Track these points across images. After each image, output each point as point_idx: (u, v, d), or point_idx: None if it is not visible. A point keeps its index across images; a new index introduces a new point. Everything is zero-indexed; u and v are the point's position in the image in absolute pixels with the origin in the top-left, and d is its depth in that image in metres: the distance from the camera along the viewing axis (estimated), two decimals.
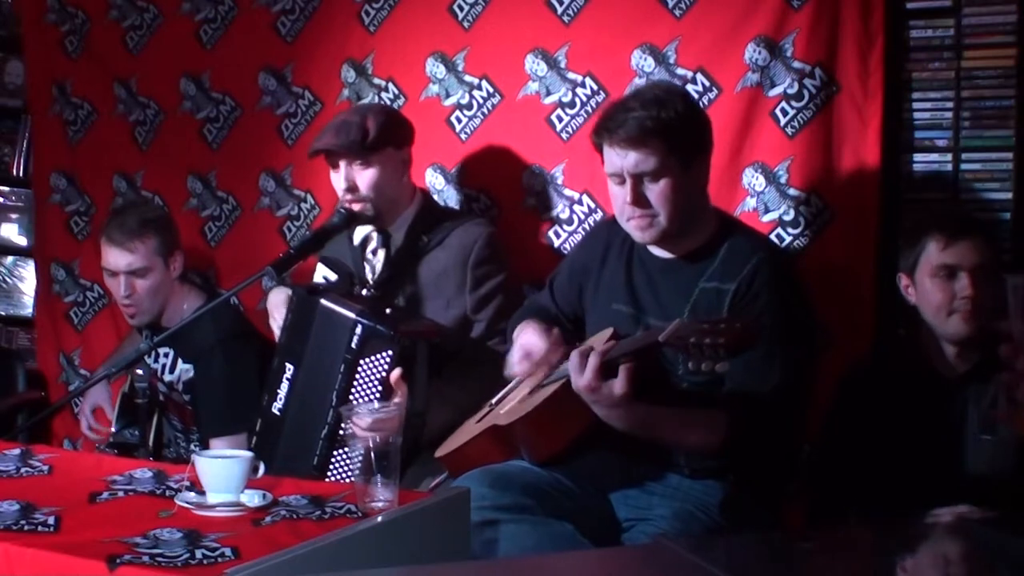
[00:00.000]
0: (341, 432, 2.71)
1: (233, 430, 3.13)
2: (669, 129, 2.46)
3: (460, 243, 2.99)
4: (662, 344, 2.29)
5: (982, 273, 2.52)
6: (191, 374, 3.30)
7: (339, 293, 2.84)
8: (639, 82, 3.12)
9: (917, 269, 2.58)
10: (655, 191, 2.48)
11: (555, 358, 2.57)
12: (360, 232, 3.06)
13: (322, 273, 3.05)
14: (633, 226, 2.53)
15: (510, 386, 2.76)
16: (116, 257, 3.27)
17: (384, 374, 2.67)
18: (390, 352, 2.68)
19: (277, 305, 2.99)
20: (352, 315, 2.72)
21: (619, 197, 2.52)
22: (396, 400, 2.62)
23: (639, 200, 2.48)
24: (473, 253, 2.97)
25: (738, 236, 2.57)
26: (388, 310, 2.80)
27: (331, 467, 2.76)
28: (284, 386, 2.84)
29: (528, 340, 2.62)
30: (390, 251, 3.03)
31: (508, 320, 2.94)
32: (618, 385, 2.33)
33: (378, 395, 2.67)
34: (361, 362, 2.70)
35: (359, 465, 2.70)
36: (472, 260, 2.97)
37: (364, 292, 2.91)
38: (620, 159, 2.48)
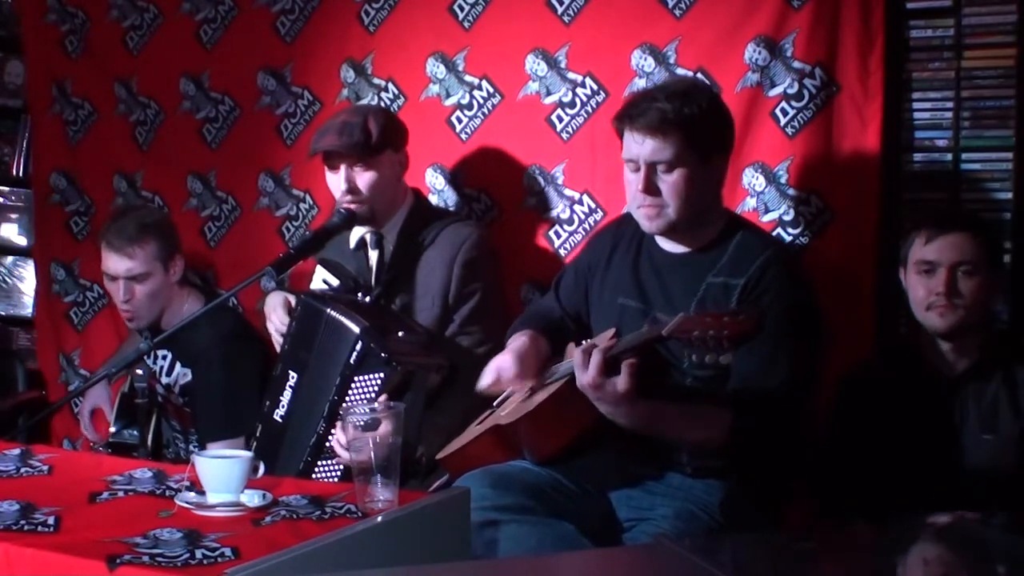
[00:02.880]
0: (328, 443, 2.72)
1: (231, 434, 3.12)
2: (690, 123, 2.48)
3: (450, 242, 2.99)
4: (665, 338, 2.30)
5: (966, 269, 2.53)
6: (188, 378, 3.30)
7: (344, 302, 2.83)
8: (639, 82, 3.13)
9: (907, 264, 2.60)
10: (668, 182, 2.49)
11: (519, 388, 2.57)
12: (355, 234, 3.07)
13: (321, 276, 3.05)
14: (642, 214, 2.54)
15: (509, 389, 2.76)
16: (115, 263, 3.27)
17: (372, 395, 2.66)
18: (381, 375, 2.67)
19: (274, 308, 2.99)
20: (356, 329, 2.70)
21: (632, 184, 2.54)
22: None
23: (650, 188, 2.50)
24: (461, 252, 2.97)
25: (747, 233, 2.58)
26: (400, 332, 2.78)
27: (314, 476, 2.76)
28: (287, 394, 2.83)
29: (503, 363, 2.59)
30: (383, 252, 3.03)
31: (481, 322, 2.96)
32: (621, 382, 2.33)
33: None
34: (356, 378, 2.70)
35: (338, 475, 2.72)
36: (460, 259, 2.97)
37: (367, 298, 2.90)
38: (637, 146, 2.51)
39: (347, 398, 2.70)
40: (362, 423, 2.09)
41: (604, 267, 2.73)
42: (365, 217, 3.01)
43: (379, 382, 2.67)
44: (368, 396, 2.67)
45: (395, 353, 2.68)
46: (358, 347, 2.68)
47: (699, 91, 2.60)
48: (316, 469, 2.77)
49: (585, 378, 2.36)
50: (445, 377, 2.82)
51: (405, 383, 2.68)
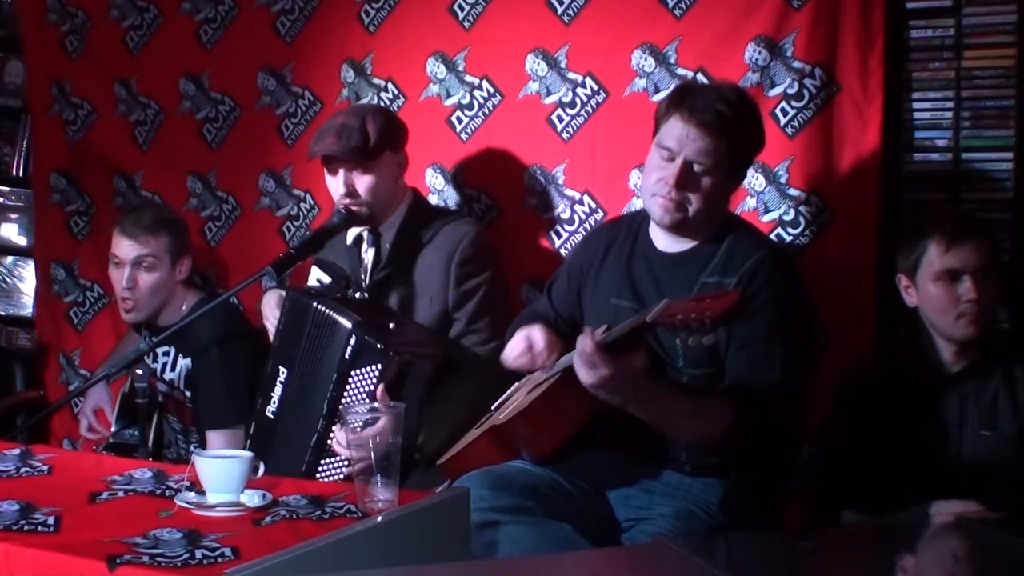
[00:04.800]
0: (330, 441, 2.72)
1: (231, 423, 3.14)
2: (738, 134, 2.50)
3: (447, 240, 3.00)
4: (650, 324, 2.30)
5: (984, 274, 2.53)
6: (191, 367, 3.31)
7: (332, 297, 2.83)
8: (639, 82, 3.13)
9: (918, 272, 2.59)
10: (700, 183, 2.49)
11: (552, 356, 2.57)
12: (352, 232, 3.07)
13: (316, 276, 3.05)
14: (660, 205, 2.52)
15: (508, 392, 2.76)
16: (126, 247, 3.29)
17: (371, 388, 2.66)
18: (379, 366, 2.67)
19: (270, 306, 2.99)
20: (348, 325, 2.70)
21: (657, 171, 2.51)
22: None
23: (683, 184, 2.48)
24: (458, 251, 2.97)
25: (741, 232, 2.58)
26: (391, 324, 2.77)
27: (319, 475, 2.76)
28: (278, 389, 2.83)
29: (531, 332, 2.61)
30: (380, 250, 3.04)
31: (486, 319, 2.97)
32: (638, 358, 2.34)
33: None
34: (352, 373, 2.70)
35: (342, 474, 2.72)
36: (457, 258, 2.97)
37: (357, 295, 2.91)
38: (684, 138, 2.48)
39: (345, 393, 2.70)
40: (361, 422, 2.08)
41: (598, 268, 2.72)
42: (364, 218, 3.01)
43: (377, 373, 2.67)
44: (367, 389, 2.67)
45: (390, 343, 2.68)
46: (352, 341, 2.68)
47: (749, 106, 2.60)
48: (320, 468, 2.77)
49: (585, 344, 2.28)
50: (439, 366, 2.81)
51: (402, 374, 2.68)
